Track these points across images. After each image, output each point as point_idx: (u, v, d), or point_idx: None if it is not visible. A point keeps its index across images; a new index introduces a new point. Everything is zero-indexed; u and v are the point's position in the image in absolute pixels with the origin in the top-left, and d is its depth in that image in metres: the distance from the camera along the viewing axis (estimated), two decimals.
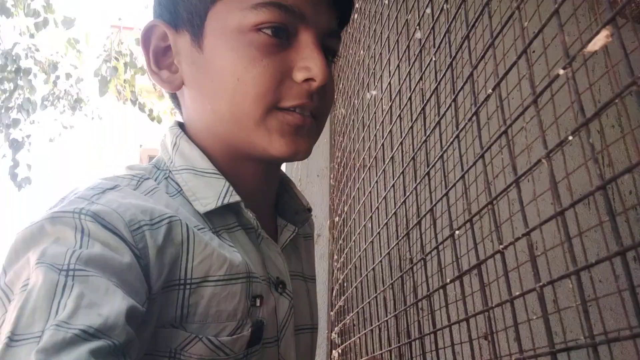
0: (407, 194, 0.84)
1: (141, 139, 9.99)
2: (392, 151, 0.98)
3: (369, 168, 1.20)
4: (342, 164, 1.81)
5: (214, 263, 0.51)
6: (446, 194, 0.68)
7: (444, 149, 0.71)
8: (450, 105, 0.69)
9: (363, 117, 1.37)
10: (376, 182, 1.11)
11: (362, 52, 1.50)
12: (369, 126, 1.27)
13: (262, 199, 0.64)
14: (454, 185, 0.66)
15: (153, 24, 0.59)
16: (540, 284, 0.45)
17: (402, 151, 0.92)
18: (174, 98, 0.65)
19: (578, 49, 0.42)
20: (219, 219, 0.57)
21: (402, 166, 0.89)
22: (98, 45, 6.33)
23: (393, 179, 0.95)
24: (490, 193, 0.58)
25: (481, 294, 0.57)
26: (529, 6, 0.54)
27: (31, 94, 6.44)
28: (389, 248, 0.95)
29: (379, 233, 1.04)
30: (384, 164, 1.05)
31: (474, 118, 0.63)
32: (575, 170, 0.94)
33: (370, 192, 1.17)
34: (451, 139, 0.68)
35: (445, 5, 0.75)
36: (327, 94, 0.60)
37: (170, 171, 0.59)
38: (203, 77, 0.56)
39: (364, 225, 1.21)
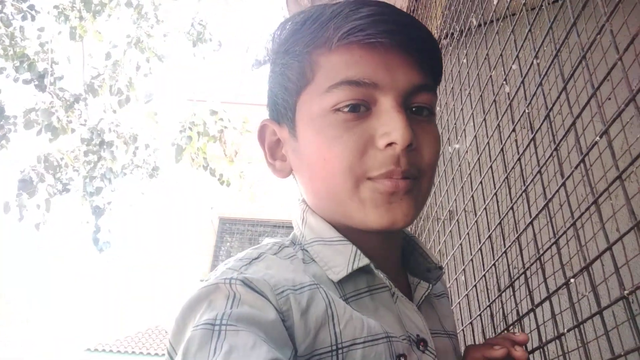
0: (509, 244, 0.84)
1: (212, 202, 10.40)
2: (484, 202, 0.99)
3: (457, 220, 1.20)
4: (420, 217, 1.81)
5: (357, 326, 0.52)
6: (556, 241, 0.68)
7: (548, 198, 0.72)
8: (552, 154, 0.71)
9: (445, 170, 1.39)
10: (467, 234, 1.11)
11: (438, 108, 1.54)
12: (453, 179, 1.29)
13: (388, 260, 0.64)
14: (565, 232, 0.66)
15: (264, 124, 0.66)
16: None
17: (497, 202, 0.92)
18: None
19: None
20: (350, 284, 0.58)
21: (499, 217, 0.90)
22: (174, 117, 6.79)
23: (488, 230, 0.96)
24: (607, 238, 0.58)
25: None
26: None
27: (113, 164, 6.94)
28: (489, 301, 0.94)
29: (475, 286, 1.03)
30: (475, 215, 1.05)
31: (581, 165, 0.64)
32: None
33: (461, 244, 1.17)
34: (557, 188, 0.69)
35: (534, 61, 0.78)
36: (424, 151, 0.59)
37: (303, 244, 0.62)
38: (301, 162, 0.61)
39: (456, 279, 1.20)
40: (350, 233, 0.60)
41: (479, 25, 1.06)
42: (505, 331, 0.87)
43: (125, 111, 6.54)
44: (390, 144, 0.54)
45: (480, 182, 1.02)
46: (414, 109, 0.59)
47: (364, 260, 0.58)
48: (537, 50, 0.77)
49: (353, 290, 0.58)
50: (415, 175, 0.58)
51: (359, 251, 0.58)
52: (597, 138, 0.59)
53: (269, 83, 0.66)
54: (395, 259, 0.67)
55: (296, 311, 0.50)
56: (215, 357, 0.42)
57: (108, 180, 7.11)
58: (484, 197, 1.00)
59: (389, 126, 0.54)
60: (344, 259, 0.58)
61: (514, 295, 0.84)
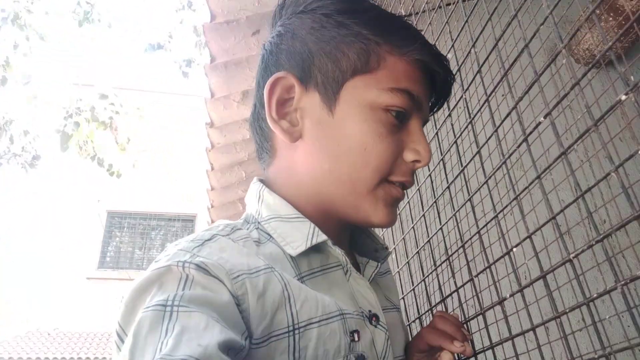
0: (433, 234, 0.90)
1: (99, 194, 9.75)
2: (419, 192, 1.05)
3: None
4: None
5: (312, 305, 0.54)
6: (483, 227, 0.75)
7: (471, 194, 0.78)
8: (472, 158, 0.77)
9: None
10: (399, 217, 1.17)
11: None
12: None
13: (340, 240, 0.67)
14: (486, 225, 0.73)
15: (284, 75, 0.62)
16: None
17: (419, 194, 0.98)
18: (266, 147, 0.68)
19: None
20: (305, 263, 0.60)
21: (422, 209, 0.96)
22: (57, 101, 6.25)
23: (412, 222, 1.02)
24: (527, 228, 0.64)
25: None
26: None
27: None
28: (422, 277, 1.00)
29: (408, 263, 1.09)
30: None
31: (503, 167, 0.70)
32: None
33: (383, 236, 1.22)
34: (480, 186, 0.75)
35: (472, 49, 0.84)
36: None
37: (259, 222, 0.63)
38: (328, 138, 0.61)
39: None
40: (307, 212, 0.62)
41: (409, 15, 1.11)
42: (439, 305, 0.93)
43: (0, 94, 5.89)
44: (414, 161, 0.62)
45: None
46: None
47: (322, 237, 0.60)
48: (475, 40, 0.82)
49: (307, 269, 0.60)
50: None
51: (317, 228, 0.60)
52: (515, 147, 0.65)
53: (300, 39, 0.63)
54: (345, 240, 0.71)
55: (252, 295, 0.50)
56: (167, 338, 0.42)
57: None
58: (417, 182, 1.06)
59: (419, 146, 0.62)
60: (302, 234, 0.60)
61: (451, 267, 0.90)
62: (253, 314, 0.50)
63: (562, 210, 0.62)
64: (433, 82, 0.64)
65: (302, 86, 0.62)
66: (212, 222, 3.57)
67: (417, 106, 0.62)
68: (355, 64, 0.60)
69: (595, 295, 0.56)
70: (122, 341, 0.47)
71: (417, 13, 1.08)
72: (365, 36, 0.60)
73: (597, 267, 0.59)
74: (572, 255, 0.59)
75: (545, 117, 0.64)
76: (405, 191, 0.65)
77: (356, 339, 0.57)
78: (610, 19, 1.38)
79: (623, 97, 0.52)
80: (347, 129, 0.60)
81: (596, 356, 0.56)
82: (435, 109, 0.70)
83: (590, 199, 0.58)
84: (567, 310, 0.61)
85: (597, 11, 0.60)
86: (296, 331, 0.52)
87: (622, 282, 0.52)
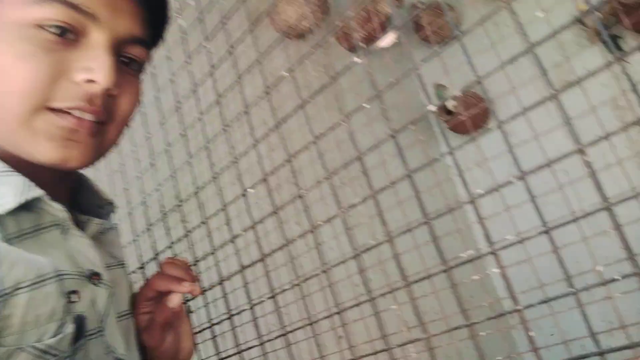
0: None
1: None
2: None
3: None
4: None
5: (21, 268, 0.48)
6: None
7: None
8: (219, 132, 0.81)
9: None
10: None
11: None
12: None
13: (58, 196, 0.59)
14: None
15: None
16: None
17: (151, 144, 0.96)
18: None
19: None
20: (13, 223, 0.53)
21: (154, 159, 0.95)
22: None
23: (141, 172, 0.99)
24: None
25: None
26: None
27: None
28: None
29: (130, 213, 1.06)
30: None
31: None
32: None
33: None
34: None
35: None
36: (122, 101, 0.58)
37: None
38: None
39: None
40: (18, 164, 0.54)
41: None
42: (167, 251, 0.97)
43: None
44: (89, 81, 0.53)
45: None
46: (125, 60, 0.58)
47: (38, 191, 0.54)
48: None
49: (16, 230, 0.53)
50: (105, 121, 0.57)
51: (31, 183, 0.54)
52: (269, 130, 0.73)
53: None
54: (65, 197, 0.64)
55: None
56: None
57: None
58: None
59: (94, 63, 0.52)
60: (12, 189, 0.52)
61: (182, 213, 0.94)
62: None
63: (309, 190, 0.73)
64: None
65: None
66: None
67: (90, 18, 0.53)
68: None
69: (334, 264, 0.71)
70: None
71: None
72: None
73: (335, 238, 0.73)
74: (313, 228, 0.72)
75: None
76: (92, 122, 0.55)
77: (74, 299, 0.54)
78: None
79: (358, 60, 0.66)
80: None
81: (330, 313, 0.72)
82: (159, 29, 0.63)
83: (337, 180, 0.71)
84: (308, 277, 0.75)
85: None
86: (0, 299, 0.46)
87: (358, 252, 0.68)
